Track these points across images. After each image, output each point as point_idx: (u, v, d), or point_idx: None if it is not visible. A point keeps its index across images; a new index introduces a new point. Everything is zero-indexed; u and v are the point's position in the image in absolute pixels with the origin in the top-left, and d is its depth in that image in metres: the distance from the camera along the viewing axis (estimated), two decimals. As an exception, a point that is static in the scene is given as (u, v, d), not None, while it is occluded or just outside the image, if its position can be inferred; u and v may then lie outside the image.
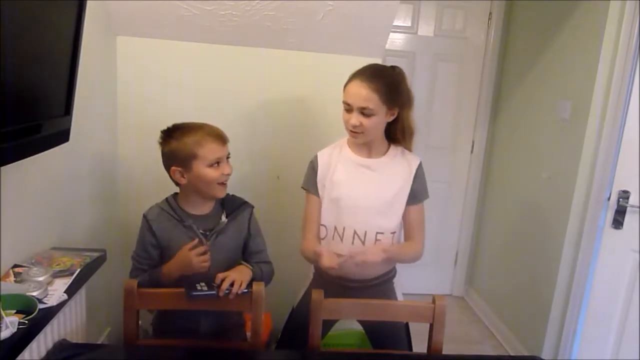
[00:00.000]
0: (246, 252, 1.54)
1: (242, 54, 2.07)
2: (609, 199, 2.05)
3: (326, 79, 2.13)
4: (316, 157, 1.60)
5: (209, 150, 1.40)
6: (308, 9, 1.90)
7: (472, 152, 3.13)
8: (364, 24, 1.97)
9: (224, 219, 1.49)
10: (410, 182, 1.53)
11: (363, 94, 1.43)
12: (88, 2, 1.30)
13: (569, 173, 2.18)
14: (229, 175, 1.45)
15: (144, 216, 1.48)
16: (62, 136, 1.35)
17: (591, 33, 2.08)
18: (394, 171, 1.54)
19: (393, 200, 1.53)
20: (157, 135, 1.46)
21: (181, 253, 1.39)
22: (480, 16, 2.95)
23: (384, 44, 2.09)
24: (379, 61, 2.13)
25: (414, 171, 1.54)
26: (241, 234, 1.53)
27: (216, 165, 1.42)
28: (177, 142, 1.40)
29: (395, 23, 2.72)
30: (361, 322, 1.68)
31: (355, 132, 1.48)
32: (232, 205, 1.53)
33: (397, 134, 1.56)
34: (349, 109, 1.47)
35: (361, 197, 1.52)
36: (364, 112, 1.44)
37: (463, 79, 3.03)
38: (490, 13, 2.94)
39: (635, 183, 2.00)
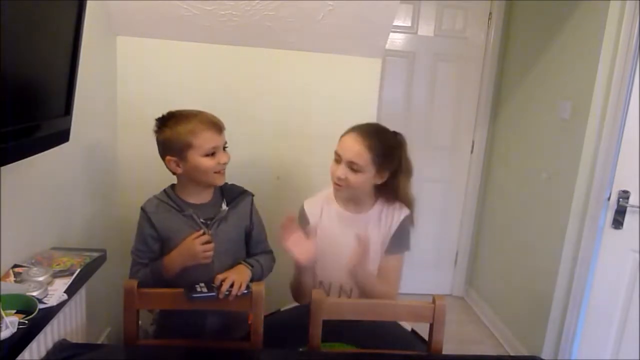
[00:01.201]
0: (249, 242, 1.54)
1: (242, 54, 2.07)
2: (609, 199, 2.05)
3: (326, 79, 2.13)
4: (303, 210, 1.56)
5: (204, 139, 1.37)
6: (308, 9, 1.90)
7: (472, 152, 3.13)
8: (364, 24, 1.97)
9: (224, 207, 1.47)
10: (391, 235, 1.51)
11: (355, 148, 1.41)
12: (88, 2, 1.30)
13: (569, 173, 2.17)
14: (225, 164, 1.42)
15: (142, 209, 1.45)
16: (62, 136, 1.35)
17: (591, 33, 2.08)
18: (379, 225, 1.52)
19: (376, 255, 1.51)
20: (156, 117, 1.44)
21: (185, 243, 1.38)
22: (480, 16, 2.95)
23: (384, 44, 2.09)
24: (379, 61, 2.13)
25: (397, 223, 1.51)
26: (243, 223, 1.52)
27: (212, 154, 1.39)
28: (172, 131, 1.38)
29: (395, 23, 2.73)
30: (359, 340, 1.64)
31: (338, 184, 1.46)
32: (232, 194, 1.51)
33: (386, 194, 1.53)
34: (338, 159, 1.45)
35: (345, 254, 1.47)
36: (352, 166, 1.42)
37: (463, 79, 3.03)
38: (490, 13, 2.94)
39: (635, 183, 2.00)
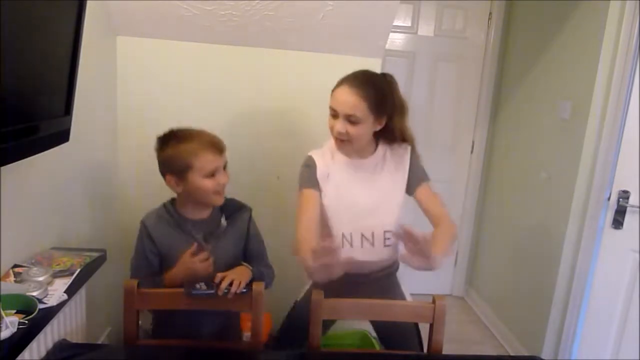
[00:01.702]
0: (246, 256, 1.53)
1: (242, 54, 2.07)
2: (609, 199, 2.05)
3: (326, 79, 2.12)
4: (311, 157, 1.54)
5: (205, 160, 1.37)
6: (308, 9, 1.90)
7: (472, 152, 3.13)
8: (364, 24, 1.97)
9: (223, 222, 1.48)
10: (407, 171, 1.51)
11: (350, 100, 1.39)
12: (88, 2, 1.30)
13: (569, 173, 2.18)
14: (224, 185, 1.43)
15: (142, 223, 1.45)
16: (62, 136, 1.35)
17: (591, 33, 2.08)
18: (387, 166, 1.53)
19: (392, 194, 1.51)
20: (157, 135, 1.44)
21: (183, 261, 1.37)
22: (480, 16, 2.95)
23: (384, 44, 2.09)
24: (379, 61, 2.13)
25: (407, 159, 1.52)
26: (241, 238, 1.52)
27: (212, 175, 1.38)
28: (172, 151, 1.38)
29: (395, 23, 2.72)
30: (371, 321, 1.66)
31: (340, 139, 1.45)
32: (231, 209, 1.51)
33: (389, 138, 1.53)
34: (334, 114, 1.43)
35: (363, 200, 1.50)
36: (350, 119, 1.40)
37: (463, 79, 3.03)
38: (490, 13, 2.94)
39: (635, 183, 2.00)
